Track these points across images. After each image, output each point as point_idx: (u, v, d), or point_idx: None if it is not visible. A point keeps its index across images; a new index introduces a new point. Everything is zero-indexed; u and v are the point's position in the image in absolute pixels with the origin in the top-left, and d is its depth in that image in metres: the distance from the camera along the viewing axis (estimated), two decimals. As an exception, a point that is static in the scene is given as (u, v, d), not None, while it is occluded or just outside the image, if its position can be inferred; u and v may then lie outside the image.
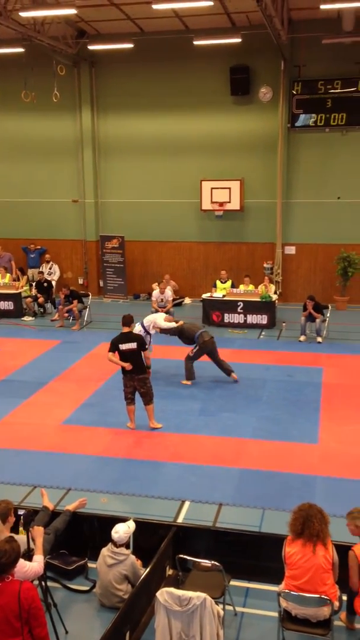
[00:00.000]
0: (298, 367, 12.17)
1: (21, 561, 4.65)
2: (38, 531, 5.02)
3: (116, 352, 9.14)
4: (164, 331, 11.49)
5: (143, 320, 11.66)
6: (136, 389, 9.24)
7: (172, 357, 12.18)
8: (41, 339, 14.40)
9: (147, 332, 11.38)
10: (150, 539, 5.96)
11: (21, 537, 5.17)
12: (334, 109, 16.42)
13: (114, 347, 9.13)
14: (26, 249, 18.87)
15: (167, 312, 13.34)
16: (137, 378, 9.14)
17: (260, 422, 9.62)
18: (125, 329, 9.22)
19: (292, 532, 5.02)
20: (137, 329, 11.40)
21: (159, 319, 11.49)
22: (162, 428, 9.40)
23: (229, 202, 17.20)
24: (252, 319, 15.21)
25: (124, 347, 9.07)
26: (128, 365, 9.03)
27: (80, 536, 6.27)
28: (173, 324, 11.44)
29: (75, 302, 15.44)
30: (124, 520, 5.86)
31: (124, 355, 9.08)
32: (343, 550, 5.12)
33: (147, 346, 10.66)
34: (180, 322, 11.49)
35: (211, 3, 12.73)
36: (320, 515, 4.96)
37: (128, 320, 9.28)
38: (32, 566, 4.73)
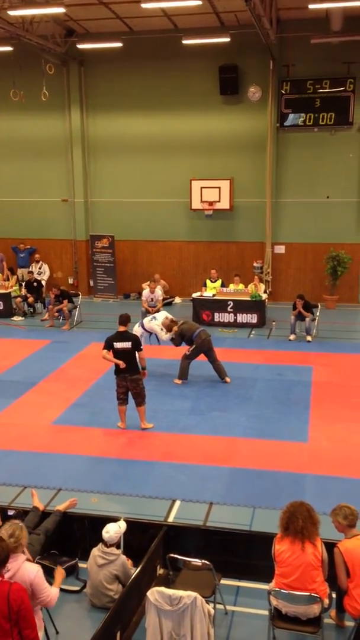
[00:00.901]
0: (288, 366, 12.21)
1: (43, 582, 4.60)
2: (61, 574, 4.94)
3: (110, 351, 9.11)
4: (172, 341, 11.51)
5: (143, 321, 11.75)
6: (129, 389, 9.19)
7: (163, 356, 12.19)
8: (31, 338, 14.36)
9: (146, 331, 11.48)
10: (141, 538, 5.97)
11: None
12: (322, 109, 16.48)
13: (108, 346, 9.08)
14: (16, 248, 18.81)
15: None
16: (130, 378, 9.10)
17: (251, 421, 9.64)
18: (121, 328, 9.14)
19: (280, 527, 5.05)
20: (136, 329, 11.44)
21: (161, 332, 11.38)
22: (152, 427, 9.40)
23: (219, 201, 17.23)
24: (242, 318, 15.25)
25: (118, 345, 9.02)
26: (122, 363, 8.97)
27: (70, 536, 6.26)
28: (170, 335, 11.37)
29: (65, 301, 15.42)
30: (114, 520, 5.86)
31: (118, 355, 9.04)
32: (333, 547, 5.14)
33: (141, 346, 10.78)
34: (174, 329, 11.35)
35: (200, 2, 12.76)
36: (308, 513, 4.97)
37: (124, 320, 9.19)
38: (50, 592, 4.65)
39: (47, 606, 4.74)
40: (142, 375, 9.28)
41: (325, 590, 4.96)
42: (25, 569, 4.56)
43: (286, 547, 4.95)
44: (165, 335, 11.42)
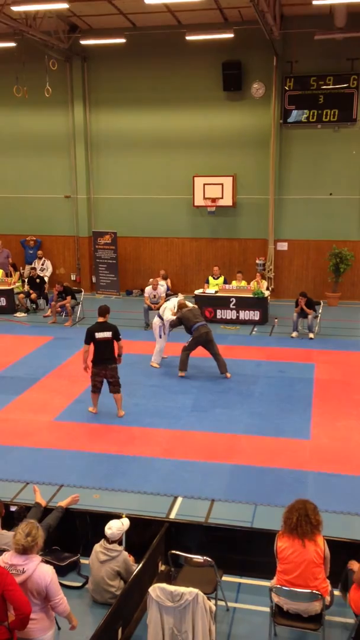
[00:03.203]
0: (290, 363, 12.20)
1: (58, 586, 4.61)
2: (75, 620, 4.90)
3: (91, 343, 9.41)
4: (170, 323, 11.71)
5: (158, 311, 12.11)
6: (106, 378, 9.50)
7: (164, 353, 12.20)
8: (34, 335, 14.37)
9: (161, 319, 11.77)
10: (143, 534, 5.97)
11: (11, 534, 5.16)
12: (326, 105, 16.44)
13: (89, 337, 9.40)
14: (24, 242, 18.80)
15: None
16: (109, 367, 9.43)
17: (253, 418, 9.64)
18: (100, 319, 9.52)
19: (282, 521, 5.06)
20: (156, 320, 11.93)
21: (167, 312, 11.72)
22: (153, 424, 9.41)
23: (222, 198, 17.20)
24: (244, 315, 15.24)
25: (99, 335, 9.36)
26: (86, 368, 9.51)
27: (72, 532, 6.27)
28: (172, 318, 11.63)
29: (68, 298, 15.43)
30: (116, 516, 5.86)
31: (99, 344, 9.37)
32: (335, 545, 5.15)
33: (161, 334, 11.55)
34: (177, 313, 11.55)
35: (203, -2, 12.72)
36: (305, 512, 4.93)
37: (103, 311, 9.59)
38: (64, 598, 4.65)
39: (62, 613, 4.69)
40: (117, 361, 9.55)
41: (327, 587, 4.95)
42: (41, 571, 4.56)
43: (287, 544, 4.95)
44: (169, 315, 11.63)
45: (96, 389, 9.66)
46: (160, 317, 11.86)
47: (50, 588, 4.54)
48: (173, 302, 11.96)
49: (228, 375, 11.28)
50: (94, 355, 9.43)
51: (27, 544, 4.55)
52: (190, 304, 11.94)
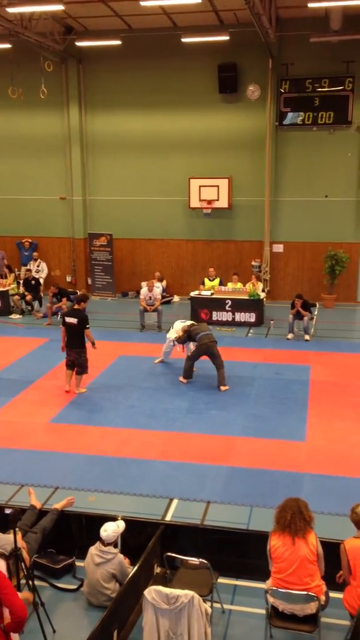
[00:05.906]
0: (286, 365, 12.20)
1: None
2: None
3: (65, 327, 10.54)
4: (177, 340, 11.62)
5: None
6: (74, 359, 10.52)
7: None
8: (29, 337, 14.34)
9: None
10: (138, 537, 5.96)
11: (8, 537, 5.15)
12: (321, 108, 16.47)
13: (62, 320, 10.68)
14: (20, 244, 18.76)
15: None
16: (74, 350, 10.50)
17: (249, 420, 9.63)
18: (75, 306, 10.72)
19: (274, 521, 5.09)
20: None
21: (172, 333, 11.74)
22: (148, 425, 9.39)
23: (217, 200, 17.21)
24: (240, 316, 15.25)
25: (67, 320, 10.52)
26: (62, 348, 10.68)
27: (68, 535, 6.25)
28: (175, 335, 11.61)
29: (64, 300, 15.40)
30: (112, 518, 5.85)
31: (67, 329, 10.50)
32: (330, 546, 5.14)
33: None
34: (180, 331, 11.49)
35: (199, 0, 12.74)
36: (298, 509, 4.99)
37: (78, 299, 10.80)
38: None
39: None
40: (87, 347, 10.50)
41: (321, 587, 4.95)
42: None
43: (280, 543, 4.96)
44: (172, 335, 11.70)
45: (67, 367, 10.66)
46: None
47: None
48: (179, 325, 11.70)
49: (223, 388, 10.84)
50: (66, 337, 10.54)
51: None
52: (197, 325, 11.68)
